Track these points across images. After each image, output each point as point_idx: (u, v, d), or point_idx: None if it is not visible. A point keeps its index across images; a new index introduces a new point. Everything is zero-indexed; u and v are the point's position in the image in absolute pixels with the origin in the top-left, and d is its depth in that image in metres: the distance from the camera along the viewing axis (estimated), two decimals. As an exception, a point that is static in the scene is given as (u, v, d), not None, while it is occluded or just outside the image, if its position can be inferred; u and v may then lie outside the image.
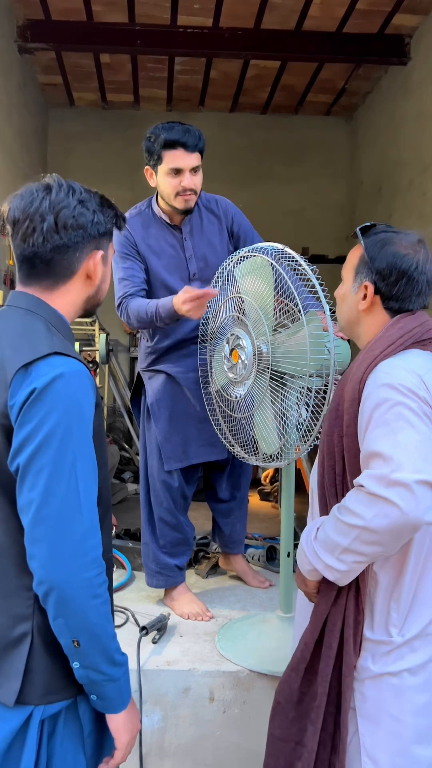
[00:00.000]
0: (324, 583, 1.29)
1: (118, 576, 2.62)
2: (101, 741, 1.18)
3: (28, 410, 1.03)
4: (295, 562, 1.48)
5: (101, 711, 1.13)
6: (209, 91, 6.04)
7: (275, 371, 1.84)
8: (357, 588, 1.26)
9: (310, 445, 1.79)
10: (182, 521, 2.38)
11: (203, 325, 2.22)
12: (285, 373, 1.82)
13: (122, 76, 5.78)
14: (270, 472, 4.30)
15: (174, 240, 2.32)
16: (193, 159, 2.17)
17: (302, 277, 1.77)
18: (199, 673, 1.94)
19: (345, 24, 4.81)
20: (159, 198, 2.31)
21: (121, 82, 5.91)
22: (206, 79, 5.78)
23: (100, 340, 3.91)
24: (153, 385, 2.36)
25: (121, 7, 4.64)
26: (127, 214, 2.29)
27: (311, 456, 3.03)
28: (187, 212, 2.27)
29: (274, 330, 1.87)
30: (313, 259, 1.83)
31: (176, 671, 1.94)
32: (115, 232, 1.25)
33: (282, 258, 1.84)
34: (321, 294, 1.69)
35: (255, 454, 2.03)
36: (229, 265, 2.07)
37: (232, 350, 1.97)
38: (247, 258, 1.98)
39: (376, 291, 1.34)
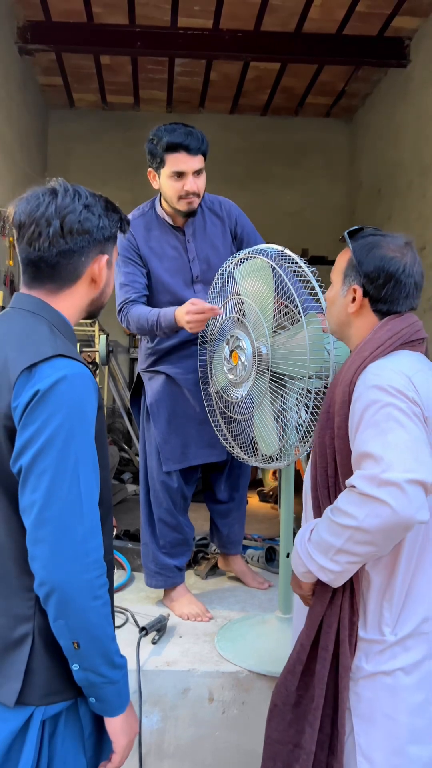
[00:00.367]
0: (319, 585, 1.30)
1: (118, 577, 2.62)
2: (101, 742, 1.18)
3: (32, 412, 1.04)
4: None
5: (99, 714, 1.13)
6: (209, 92, 6.05)
7: (275, 373, 1.84)
8: (351, 589, 1.27)
9: (310, 447, 1.80)
10: (182, 522, 2.38)
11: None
12: (285, 375, 1.83)
13: (122, 78, 5.79)
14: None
15: (177, 242, 2.32)
16: (196, 162, 2.17)
17: (302, 278, 1.78)
18: (198, 674, 1.95)
19: (345, 26, 4.82)
20: (162, 200, 2.31)
21: (121, 84, 5.92)
22: (206, 80, 5.79)
23: (100, 341, 3.92)
24: (153, 386, 2.36)
25: (121, 8, 4.65)
26: (129, 216, 2.29)
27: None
28: (190, 215, 2.27)
29: (274, 332, 1.87)
30: (312, 261, 1.84)
31: (176, 672, 1.95)
32: (118, 234, 1.25)
33: (282, 260, 1.84)
34: (321, 296, 1.70)
35: (254, 455, 2.04)
36: (229, 266, 2.08)
37: (232, 352, 1.98)
38: (247, 260, 1.98)
39: (365, 294, 1.35)
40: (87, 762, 1.15)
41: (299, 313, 1.75)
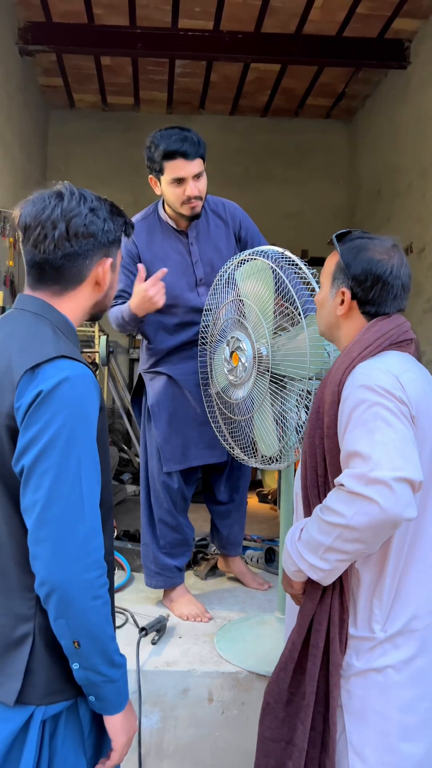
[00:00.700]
0: (309, 583, 1.32)
1: (117, 577, 2.62)
2: (101, 742, 1.19)
3: (34, 412, 1.04)
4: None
5: (99, 712, 1.14)
6: (209, 94, 6.06)
7: (275, 374, 1.85)
8: (341, 587, 1.29)
9: (309, 448, 1.80)
10: (182, 522, 2.39)
11: (204, 328, 2.24)
12: (285, 376, 1.83)
13: (123, 79, 5.80)
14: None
15: (180, 245, 2.32)
16: (195, 166, 2.17)
17: (302, 279, 1.78)
18: (198, 674, 1.95)
19: (345, 28, 4.83)
20: (165, 204, 2.31)
21: (121, 85, 5.92)
22: (206, 82, 5.80)
23: (101, 342, 3.92)
24: (154, 386, 2.37)
25: (121, 9, 4.66)
26: (132, 219, 2.30)
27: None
28: (194, 218, 2.27)
29: (275, 333, 1.88)
30: (312, 262, 1.84)
31: (175, 672, 1.95)
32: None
33: (282, 261, 1.85)
34: (321, 297, 1.70)
35: (254, 456, 2.04)
36: (229, 268, 2.08)
37: (232, 353, 1.98)
38: (247, 261, 1.99)
39: (353, 296, 1.37)
40: (87, 762, 1.16)
41: (299, 314, 1.75)
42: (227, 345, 2.01)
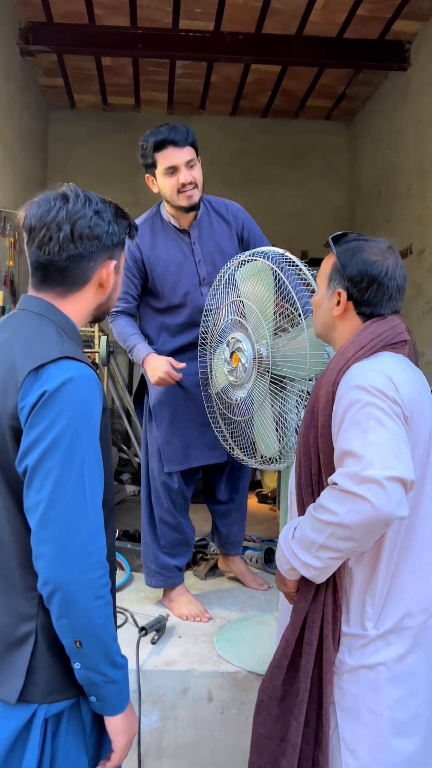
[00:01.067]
0: (302, 582, 1.33)
1: (117, 577, 2.62)
2: (102, 741, 1.19)
3: (38, 413, 1.05)
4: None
5: (100, 713, 1.14)
6: (210, 94, 6.07)
7: (275, 375, 1.85)
8: (334, 585, 1.30)
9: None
10: (182, 522, 2.39)
11: (204, 328, 2.24)
12: (285, 377, 1.84)
13: (123, 79, 5.81)
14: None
15: (183, 245, 2.33)
16: (185, 153, 2.19)
17: (303, 280, 1.79)
18: (197, 674, 1.96)
19: (345, 29, 4.84)
20: (165, 203, 2.32)
21: (122, 85, 5.93)
22: (207, 82, 5.81)
23: (101, 342, 3.91)
24: (156, 387, 2.37)
25: (122, 10, 4.67)
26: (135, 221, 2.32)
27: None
28: (193, 208, 2.27)
29: (275, 334, 1.88)
30: (312, 263, 1.85)
31: (175, 672, 1.96)
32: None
33: (282, 262, 1.85)
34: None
35: (254, 456, 2.05)
36: (230, 268, 2.09)
37: (232, 353, 1.99)
38: (248, 262, 1.99)
39: (349, 297, 1.38)
40: (88, 760, 1.16)
41: (300, 315, 1.76)
42: (227, 346, 2.02)
